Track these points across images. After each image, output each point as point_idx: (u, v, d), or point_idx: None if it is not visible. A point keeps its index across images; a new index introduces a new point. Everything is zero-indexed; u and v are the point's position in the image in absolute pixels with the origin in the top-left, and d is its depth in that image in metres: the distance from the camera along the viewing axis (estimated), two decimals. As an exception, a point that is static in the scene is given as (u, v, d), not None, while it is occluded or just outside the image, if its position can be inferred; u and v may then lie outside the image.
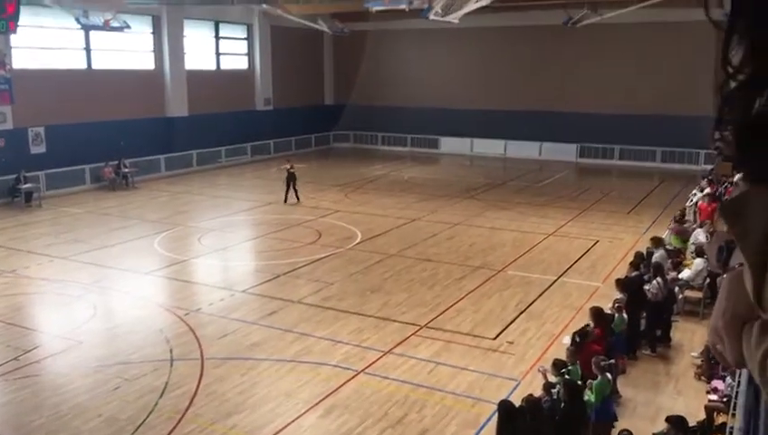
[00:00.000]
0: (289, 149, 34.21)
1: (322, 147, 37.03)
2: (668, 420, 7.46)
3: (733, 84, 1.08)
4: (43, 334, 11.76)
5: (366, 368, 10.22)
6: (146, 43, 27.76)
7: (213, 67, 31.23)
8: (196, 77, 29.28)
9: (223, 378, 9.88)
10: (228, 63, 32.10)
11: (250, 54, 33.07)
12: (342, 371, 10.11)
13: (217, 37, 31.36)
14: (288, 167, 22.50)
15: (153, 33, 27.85)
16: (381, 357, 10.61)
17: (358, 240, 17.82)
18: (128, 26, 24.85)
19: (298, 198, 22.41)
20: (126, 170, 25.35)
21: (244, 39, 32.84)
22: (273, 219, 20.35)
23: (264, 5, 26.96)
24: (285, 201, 22.31)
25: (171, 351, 10.82)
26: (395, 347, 10.99)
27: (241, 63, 32.84)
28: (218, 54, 31.48)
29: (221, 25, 31.25)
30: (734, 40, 1.07)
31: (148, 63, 27.85)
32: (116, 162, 25.15)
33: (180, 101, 28.64)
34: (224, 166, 29.93)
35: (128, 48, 26.76)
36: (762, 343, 1.04)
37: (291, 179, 22.26)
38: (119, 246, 17.26)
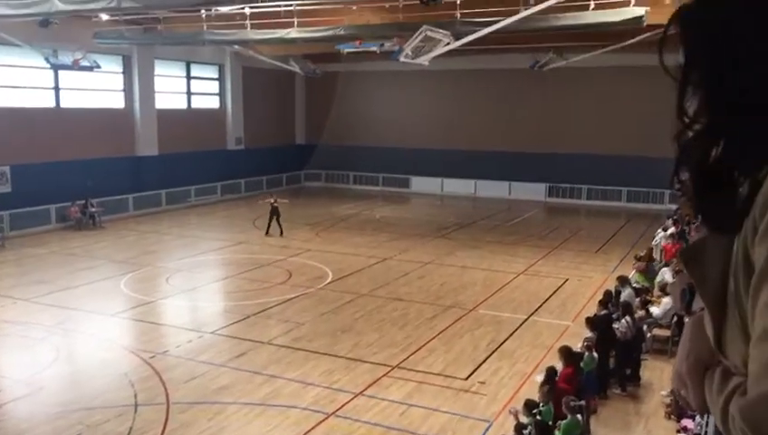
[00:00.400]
0: (260, 188, 34.10)
1: (294, 186, 37.02)
2: None
3: (689, 133, 1.11)
4: (4, 379, 11.36)
5: (337, 410, 10.05)
6: (116, 82, 27.67)
7: (184, 106, 31.20)
8: (167, 116, 29.21)
9: (189, 423, 9.62)
10: (200, 103, 32.13)
11: (221, 94, 33.16)
12: (312, 414, 9.93)
13: (189, 77, 31.42)
14: (272, 201, 23.41)
15: (124, 72, 27.80)
16: (352, 399, 10.46)
17: (329, 280, 17.71)
18: (98, 66, 24.75)
19: (281, 232, 23.13)
20: (93, 210, 24.97)
21: (216, 79, 32.96)
22: (243, 259, 20.15)
23: (236, 46, 27.15)
24: (267, 233, 23.13)
25: (136, 395, 10.52)
26: (366, 389, 10.84)
27: (212, 103, 32.90)
28: (189, 94, 31.50)
29: (192, 65, 31.35)
30: (688, 90, 1.10)
31: (118, 102, 27.73)
32: (83, 202, 24.78)
33: (150, 140, 28.48)
34: (193, 205, 29.67)
35: (98, 87, 26.64)
36: (723, 389, 1.05)
37: (274, 213, 23.15)
38: (84, 286, 16.88)
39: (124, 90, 27.89)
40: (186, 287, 17.24)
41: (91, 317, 14.55)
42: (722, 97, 1.06)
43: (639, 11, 16.19)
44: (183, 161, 29.34)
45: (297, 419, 9.79)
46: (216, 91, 33.06)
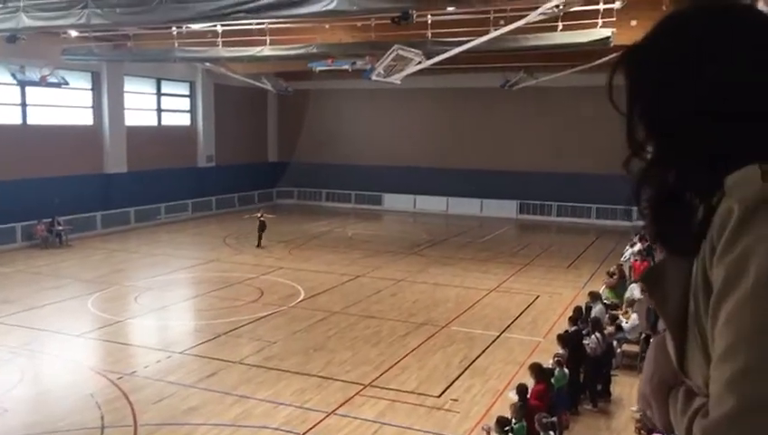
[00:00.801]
0: (232, 206, 33.87)
1: (266, 203, 36.74)
2: None
3: (638, 160, 1.15)
4: (-37, 403, 11.01)
5: (308, 430, 9.94)
6: (84, 98, 27.35)
7: (154, 123, 30.92)
8: (137, 133, 28.90)
9: (157, 445, 9.42)
10: (170, 120, 31.87)
11: (193, 111, 32.95)
12: (284, 434, 9.80)
13: (159, 94, 31.17)
14: (258, 215, 25.02)
15: (92, 89, 27.49)
16: (324, 419, 10.36)
17: (301, 298, 17.59)
18: (66, 82, 24.47)
19: (259, 244, 24.40)
20: (60, 228, 24.51)
21: (187, 96, 32.76)
22: (214, 277, 19.92)
23: (208, 64, 27.04)
24: (258, 246, 24.36)
25: (102, 417, 10.28)
26: (338, 408, 10.75)
27: (183, 120, 32.65)
28: (160, 111, 31.23)
29: (163, 82, 31.12)
30: (635, 121, 1.15)
31: (86, 119, 27.38)
32: (49, 220, 24.31)
33: (119, 158, 28.13)
34: (163, 223, 29.31)
35: (65, 104, 26.28)
36: (686, 410, 1.06)
37: (261, 227, 24.51)
38: (50, 306, 16.51)
39: (93, 106, 27.56)
40: (155, 306, 16.96)
41: (58, 338, 14.22)
42: (661, 129, 1.12)
43: (606, 32, 16.54)
44: (153, 179, 29.00)
45: (268, 439, 9.65)
46: (187, 108, 32.84)
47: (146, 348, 13.81)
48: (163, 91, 31.35)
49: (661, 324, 1.37)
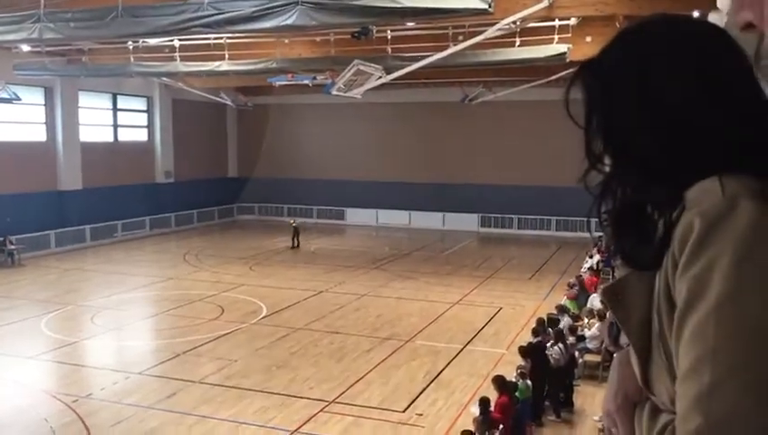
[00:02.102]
0: (191, 223, 33.35)
1: (226, 219, 36.38)
2: None
3: (596, 173, 1.15)
4: None
5: (272, 450, 9.76)
6: (37, 114, 26.68)
7: (110, 139, 30.32)
8: (92, 149, 28.29)
9: (115, 470, 9.12)
10: (127, 135, 31.30)
11: (150, 126, 32.42)
12: (247, 454, 9.60)
13: (115, 109, 30.60)
14: (291, 222, 28.95)
15: (45, 104, 26.86)
16: (288, 437, 10.19)
17: (263, 314, 17.35)
18: (17, 98, 23.82)
19: (298, 245, 27.84)
20: (12, 247, 23.76)
21: (144, 111, 32.24)
22: (173, 295, 19.52)
23: (165, 78, 26.69)
24: (292, 247, 27.69)
25: (57, 443, 9.93)
26: (302, 425, 10.59)
27: (140, 136, 32.11)
28: (116, 126, 30.65)
29: (119, 97, 30.57)
30: (592, 135, 1.16)
31: (39, 135, 26.69)
32: (1, 239, 23.55)
33: (74, 174, 27.48)
34: (120, 240, 28.67)
35: (17, 120, 25.59)
36: (652, 428, 1.05)
37: (295, 231, 27.91)
38: (1, 328, 15.94)
39: (46, 122, 26.90)
40: (112, 326, 16.52)
41: (8, 361, 13.69)
42: (616, 143, 1.12)
43: (562, 48, 16.90)
44: (109, 195, 28.39)
45: (230, 460, 9.44)
46: (145, 123, 32.31)
47: (102, 369, 13.42)
48: (119, 106, 30.78)
49: (623, 339, 1.36)
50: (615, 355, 1.24)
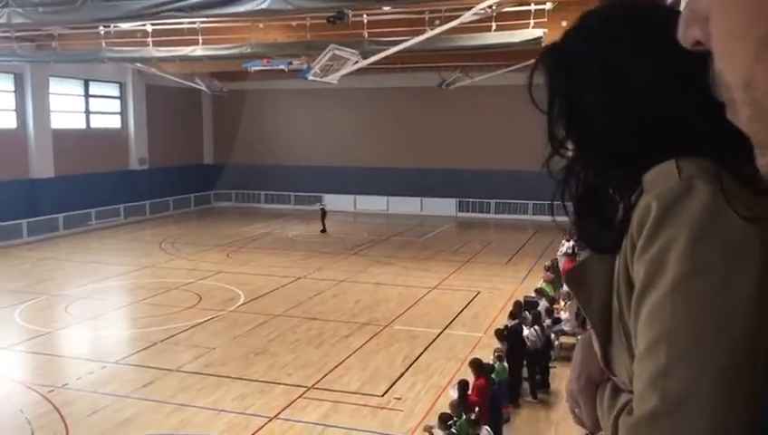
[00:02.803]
0: (167, 210, 33.00)
1: (202, 206, 36.06)
2: None
3: (559, 158, 1.16)
4: None
5: (251, 436, 9.76)
6: (7, 101, 26.12)
7: (83, 126, 29.81)
8: (64, 136, 27.80)
9: (92, 460, 9.07)
10: (100, 122, 30.80)
11: (123, 113, 31.93)
12: (225, 441, 9.59)
13: (87, 95, 30.07)
14: (319, 205, 29.51)
15: (15, 91, 26.30)
16: (267, 423, 10.19)
17: (241, 301, 17.28)
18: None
19: (325, 230, 28.09)
20: (-18, 237, 23.34)
21: (117, 97, 31.73)
22: (149, 284, 19.35)
23: (138, 64, 26.26)
24: (322, 231, 28.07)
25: (33, 433, 9.83)
26: (281, 412, 10.60)
27: (114, 122, 31.61)
28: (88, 113, 30.13)
29: (91, 83, 30.03)
30: (554, 120, 1.16)
31: (9, 122, 26.16)
32: (-29, 228, 23.14)
33: (45, 162, 27.00)
34: (94, 229, 28.29)
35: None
36: (613, 406, 1.06)
37: (324, 214, 28.43)
38: (-28, 319, 15.70)
39: (16, 109, 26.36)
40: (87, 316, 16.34)
41: (-19, 352, 13.51)
42: (577, 128, 1.14)
43: (538, 32, 16.91)
44: (82, 183, 27.95)
45: (209, 448, 9.43)
46: (118, 109, 31.81)
47: (78, 359, 13.29)
48: (91, 92, 30.26)
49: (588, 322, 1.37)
50: (579, 337, 1.26)
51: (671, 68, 1.04)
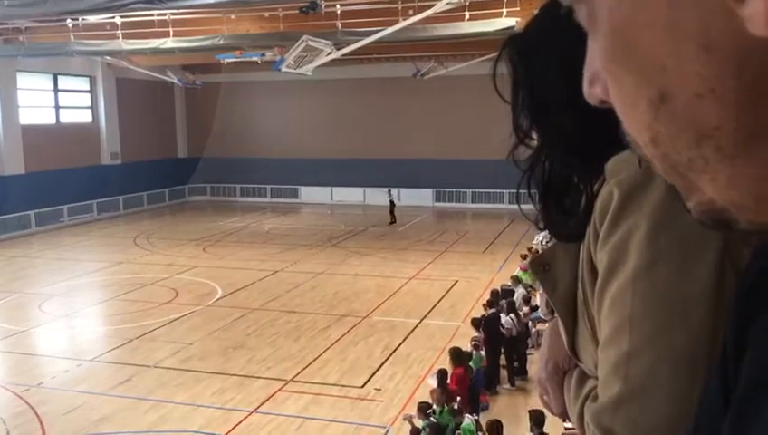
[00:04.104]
0: (140, 205, 32.61)
1: (177, 201, 35.70)
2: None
3: (525, 148, 1.16)
4: None
5: (230, 431, 9.72)
6: (-27, 96, 25.56)
7: (53, 121, 29.28)
8: (34, 132, 27.28)
9: (69, 459, 8.97)
10: (70, 117, 30.27)
11: (94, 107, 31.40)
12: (205, 437, 9.54)
13: (57, 90, 29.52)
14: (389, 196, 28.95)
15: (-18, 86, 25.74)
16: (246, 417, 10.16)
17: (218, 296, 17.17)
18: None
19: (395, 221, 28.03)
20: (-49, 235, 22.87)
21: (87, 92, 31.18)
22: (124, 280, 19.13)
23: (108, 57, 25.82)
24: (391, 222, 27.98)
25: (8, 433, 9.69)
26: (260, 405, 10.57)
27: (84, 117, 31.09)
28: (58, 108, 29.59)
29: (60, 78, 29.48)
30: (519, 111, 1.16)
31: (-24, 118, 25.61)
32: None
33: (15, 158, 26.49)
34: (67, 225, 27.87)
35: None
36: (579, 393, 1.07)
37: (392, 205, 28.22)
38: (-58, 320, 15.40)
39: (-17, 105, 25.81)
40: (61, 313, 16.11)
41: (-48, 353, 13.27)
42: (539, 118, 1.14)
43: (511, 22, 16.96)
44: (53, 179, 27.48)
45: (188, 443, 9.38)
46: (88, 104, 31.28)
47: (53, 357, 13.11)
48: (61, 86, 29.70)
49: None
50: (547, 325, 1.27)
51: None
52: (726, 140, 0.39)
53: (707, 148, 0.40)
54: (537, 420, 7.89)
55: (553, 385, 1.17)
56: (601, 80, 0.47)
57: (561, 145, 1.12)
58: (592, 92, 0.50)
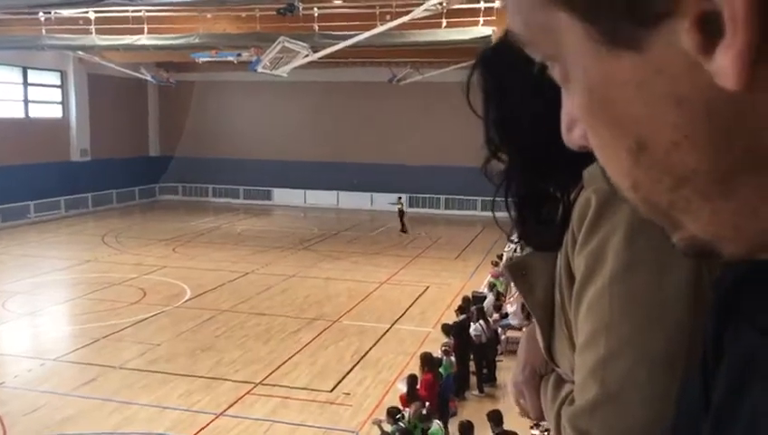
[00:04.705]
0: (110, 203, 32.11)
1: (147, 199, 35.23)
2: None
3: (496, 162, 1.18)
4: None
5: (196, 434, 9.61)
6: (-61, 87, 24.94)
7: (21, 115, 28.69)
8: (1, 126, 26.67)
9: (29, 460, 8.77)
10: (39, 112, 29.69)
11: (64, 102, 30.85)
12: (170, 439, 9.41)
13: (26, 84, 28.93)
14: (398, 205, 27.96)
15: (-52, 76, 25.14)
16: (213, 420, 10.05)
17: (187, 297, 16.97)
18: None
19: (406, 230, 26.83)
20: None
21: (58, 86, 30.63)
22: (91, 278, 18.79)
23: (80, 52, 25.41)
24: (402, 231, 26.85)
25: (-35, 434, 9.44)
26: (228, 408, 10.46)
27: (54, 112, 30.52)
28: (27, 102, 29.00)
29: (30, 71, 28.90)
30: (490, 122, 1.18)
31: (-59, 110, 24.99)
32: None
33: (-19, 152, 25.90)
34: (33, 222, 27.31)
35: None
36: (556, 397, 1.08)
37: (401, 214, 27.28)
38: None
39: (-51, 96, 25.20)
40: (25, 311, 15.77)
41: None
42: (511, 133, 1.15)
43: (487, 30, 17.12)
44: (20, 174, 26.87)
45: (153, 446, 9.24)
46: (59, 99, 30.72)
47: (15, 356, 12.81)
48: (30, 80, 29.12)
49: None
50: (523, 330, 1.28)
51: None
52: (704, 180, 0.41)
53: (686, 189, 0.42)
54: (496, 419, 8.06)
55: (530, 389, 1.19)
56: (579, 126, 0.49)
57: (531, 159, 1.14)
58: (571, 138, 0.52)
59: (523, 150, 1.14)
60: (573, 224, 1.00)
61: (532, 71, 1.09)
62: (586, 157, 1.03)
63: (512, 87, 1.13)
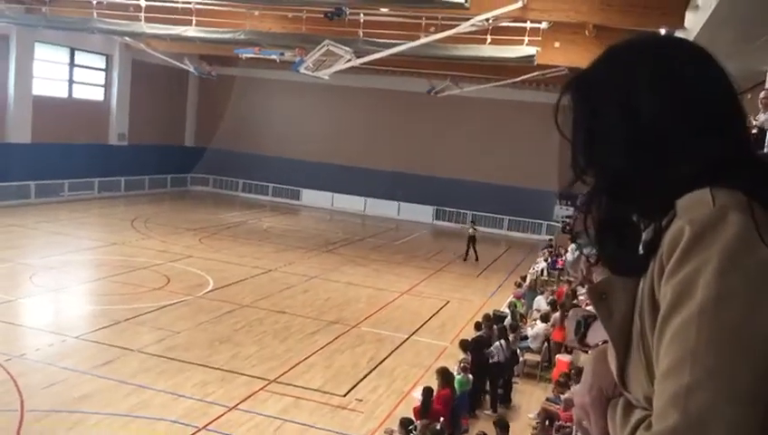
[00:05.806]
0: (142, 188, 32.60)
1: (179, 188, 35.68)
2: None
3: (581, 184, 1.19)
4: None
5: (208, 424, 9.67)
6: (-11, 61, 25.57)
7: (65, 95, 29.30)
8: (45, 103, 27.29)
9: (44, 433, 8.91)
10: (82, 93, 30.30)
11: (107, 86, 31.45)
12: (182, 427, 9.48)
13: (72, 64, 29.57)
14: (469, 230, 25.00)
15: (-2, 52, 25.78)
16: (226, 413, 10.11)
17: (209, 288, 17.12)
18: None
19: (472, 256, 24.34)
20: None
21: (103, 70, 31.24)
22: (116, 261, 19.08)
23: (127, 38, 25.89)
24: (465, 259, 24.27)
25: (-16, 401, 9.63)
26: (241, 402, 10.52)
27: (97, 94, 31.12)
28: (72, 82, 29.62)
29: (77, 53, 29.54)
30: (578, 148, 1.18)
31: (-11, 83, 25.61)
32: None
33: (23, 127, 26.48)
34: (66, 200, 27.82)
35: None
36: (626, 422, 1.08)
37: (471, 240, 24.48)
38: (-69, 280, 15.33)
39: (-2, 71, 25.84)
40: (51, 287, 16.06)
41: (-62, 314, 13.20)
42: (601, 159, 1.15)
43: (531, 50, 17.07)
44: (58, 152, 27.46)
45: (165, 432, 9.32)
46: (102, 82, 31.33)
47: (38, 330, 13.05)
48: (77, 62, 29.76)
49: (592, 338, 1.39)
50: (590, 351, 1.28)
51: (675, 96, 1.07)
52: None
53: None
54: (502, 425, 8.38)
55: (596, 411, 1.18)
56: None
57: (620, 186, 1.14)
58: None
59: (611, 177, 1.14)
60: (663, 251, 1.00)
61: (624, 100, 1.10)
62: (676, 185, 1.03)
63: (604, 111, 1.13)
